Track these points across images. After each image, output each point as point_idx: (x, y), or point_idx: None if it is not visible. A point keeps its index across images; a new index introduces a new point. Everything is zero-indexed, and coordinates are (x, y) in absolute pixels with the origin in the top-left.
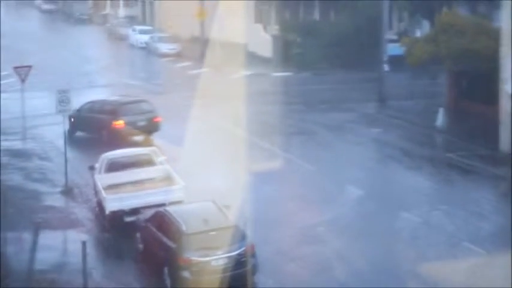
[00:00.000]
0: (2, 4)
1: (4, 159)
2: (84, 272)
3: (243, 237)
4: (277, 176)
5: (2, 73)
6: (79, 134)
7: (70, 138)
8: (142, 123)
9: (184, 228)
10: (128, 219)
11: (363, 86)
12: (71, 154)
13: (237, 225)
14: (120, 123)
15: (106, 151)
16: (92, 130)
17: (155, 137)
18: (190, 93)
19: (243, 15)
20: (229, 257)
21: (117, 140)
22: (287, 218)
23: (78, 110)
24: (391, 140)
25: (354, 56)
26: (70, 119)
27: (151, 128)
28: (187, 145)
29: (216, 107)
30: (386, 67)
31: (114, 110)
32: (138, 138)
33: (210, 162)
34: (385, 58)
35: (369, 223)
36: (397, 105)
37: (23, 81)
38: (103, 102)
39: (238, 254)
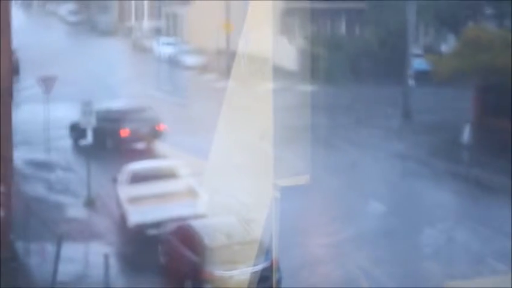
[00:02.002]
0: (27, 15)
1: (27, 171)
2: (106, 285)
3: (267, 251)
4: (302, 191)
5: (27, 83)
6: (83, 142)
7: (75, 146)
8: (146, 131)
9: (207, 242)
10: (151, 232)
11: (388, 100)
12: (93, 165)
13: (261, 239)
14: (124, 130)
15: (128, 163)
16: (97, 138)
17: (179, 150)
18: (215, 106)
19: (269, 29)
20: (252, 271)
21: (122, 147)
22: (311, 233)
23: None
24: (416, 155)
25: (379, 70)
26: (74, 128)
27: (155, 135)
28: (211, 158)
29: (241, 120)
30: (411, 82)
31: (118, 118)
32: (142, 145)
33: (234, 176)
34: (411, 73)
35: (393, 239)
36: (422, 120)
37: (47, 92)
38: (107, 110)
39: (262, 269)
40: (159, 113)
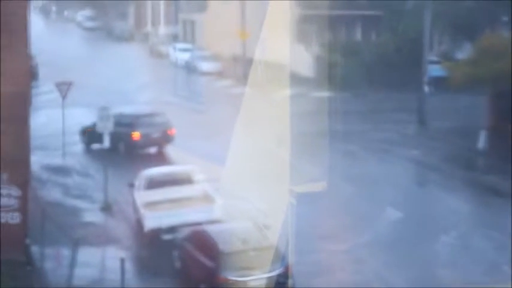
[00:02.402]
0: (45, 21)
1: (44, 175)
2: None
3: (282, 257)
4: (317, 197)
5: (44, 89)
6: (95, 146)
7: (87, 150)
8: (157, 135)
9: (222, 247)
10: (166, 237)
11: (404, 107)
12: (110, 170)
13: (276, 245)
14: (136, 135)
15: (145, 168)
16: (111, 142)
17: (196, 156)
18: (231, 112)
19: (286, 36)
20: (267, 277)
21: (133, 151)
22: (326, 239)
23: (95, 123)
24: (431, 162)
25: (395, 77)
26: (86, 132)
27: (166, 139)
28: (228, 164)
29: (257, 127)
30: (427, 88)
31: (130, 123)
32: (154, 149)
33: (250, 181)
34: (426, 79)
35: (408, 245)
36: (437, 126)
37: (64, 97)
38: (119, 115)
39: (277, 275)
40: (175, 119)
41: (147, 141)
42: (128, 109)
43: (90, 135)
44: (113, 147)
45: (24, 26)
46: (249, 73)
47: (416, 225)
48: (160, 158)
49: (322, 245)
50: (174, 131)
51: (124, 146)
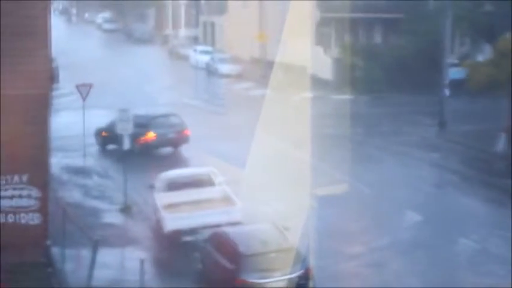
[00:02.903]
0: (66, 23)
1: (64, 176)
2: None
3: (302, 259)
4: (336, 200)
5: (64, 91)
6: (111, 147)
7: (99, 150)
8: (172, 136)
9: (241, 249)
10: (186, 238)
11: (423, 109)
12: (130, 172)
13: (297, 247)
14: (151, 135)
15: (164, 170)
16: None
17: (216, 158)
18: (251, 115)
19: (306, 38)
20: (287, 279)
21: (149, 152)
22: (346, 242)
23: (110, 124)
24: (451, 165)
25: (415, 79)
26: (101, 133)
27: (180, 140)
28: (248, 167)
29: (277, 129)
30: (447, 91)
31: (145, 124)
32: (172, 151)
33: (270, 184)
34: (446, 82)
35: (427, 248)
36: (457, 129)
37: (84, 99)
38: (134, 116)
39: (297, 277)
40: (196, 121)
41: (163, 142)
42: (142, 110)
43: (105, 136)
44: (129, 148)
45: (45, 29)
46: (269, 75)
47: (436, 228)
48: (180, 160)
49: (342, 247)
50: (188, 132)
51: (139, 147)
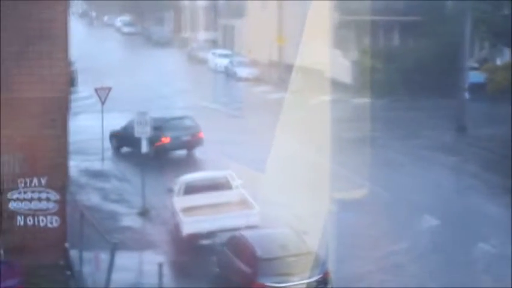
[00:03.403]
0: (83, 26)
1: (83, 180)
2: None
3: (320, 263)
4: (355, 204)
5: (83, 94)
6: (125, 149)
7: (116, 153)
8: (186, 138)
9: (259, 253)
10: (204, 242)
11: (443, 113)
12: (146, 175)
13: (315, 251)
14: (165, 138)
15: (183, 174)
16: (139, 145)
17: (235, 161)
18: (269, 118)
19: (325, 41)
20: (305, 283)
21: (163, 154)
22: (364, 246)
23: (125, 127)
24: (470, 169)
25: (434, 82)
26: (115, 136)
27: (195, 143)
28: (267, 170)
29: (295, 133)
30: (466, 94)
31: (159, 126)
32: (182, 152)
33: (288, 187)
34: (466, 85)
35: (445, 253)
36: (476, 133)
37: (103, 102)
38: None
39: (316, 281)
40: (214, 124)
41: (177, 144)
42: (157, 113)
43: (118, 139)
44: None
45: (63, 32)
46: (287, 78)
47: (455, 233)
48: (197, 163)
49: (360, 251)
50: (203, 134)
51: (154, 149)
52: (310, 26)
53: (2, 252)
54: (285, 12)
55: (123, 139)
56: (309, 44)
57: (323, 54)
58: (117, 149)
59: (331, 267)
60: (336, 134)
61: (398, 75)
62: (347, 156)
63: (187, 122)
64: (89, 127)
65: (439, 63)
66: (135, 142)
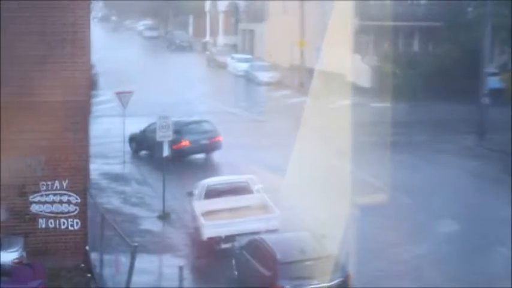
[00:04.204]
0: (105, 30)
1: (103, 183)
2: None
3: (340, 267)
4: (375, 208)
5: (104, 98)
6: (143, 152)
7: (136, 156)
8: (204, 142)
9: (279, 256)
10: (224, 245)
11: (462, 118)
12: (167, 179)
13: (335, 255)
14: (184, 142)
15: (203, 178)
16: (157, 149)
17: (256, 165)
18: (290, 122)
19: (346, 46)
20: (325, 287)
21: (182, 158)
22: (383, 250)
23: (143, 131)
24: (490, 174)
25: (453, 88)
26: (134, 139)
27: (213, 146)
28: (287, 174)
29: (316, 137)
30: (486, 100)
31: (178, 130)
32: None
33: (309, 192)
34: (485, 91)
35: (465, 257)
36: (496, 138)
37: (124, 106)
38: None
39: (336, 285)
40: (235, 128)
41: (196, 148)
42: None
43: (138, 142)
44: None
45: (85, 36)
46: (308, 83)
47: (475, 237)
48: (218, 167)
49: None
50: (221, 138)
51: (173, 153)
52: (331, 31)
53: (24, 254)
54: (306, 16)
55: (142, 142)
56: (329, 48)
57: (344, 58)
58: (136, 152)
59: (351, 270)
60: (356, 138)
61: (418, 80)
62: (367, 161)
63: (206, 126)
64: (109, 130)
65: (459, 68)
66: (154, 145)
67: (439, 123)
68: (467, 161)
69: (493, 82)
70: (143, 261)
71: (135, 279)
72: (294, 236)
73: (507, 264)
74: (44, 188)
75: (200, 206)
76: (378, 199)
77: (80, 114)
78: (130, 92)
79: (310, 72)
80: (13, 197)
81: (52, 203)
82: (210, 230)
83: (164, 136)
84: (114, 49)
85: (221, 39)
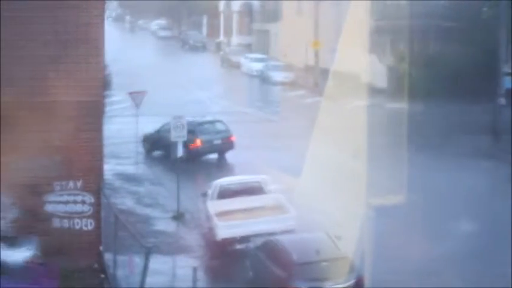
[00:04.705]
0: (118, 29)
1: (117, 183)
2: None
3: (355, 268)
4: (390, 209)
5: (117, 98)
6: (156, 153)
7: (149, 157)
8: (218, 142)
9: (294, 257)
10: (239, 246)
11: (478, 118)
12: (180, 179)
13: (350, 256)
14: (197, 142)
15: (217, 178)
16: (171, 149)
17: (270, 166)
18: (305, 123)
19: (362, 46)
20: None
21: (195, 158)
22: (398, 251)
23: (157, 131)
24: (506, 174)
25: (469, 88)
26: (147, 139)
27: (226, 146)
28: (302, 175)
29: (331, 137)
30: (502, 100)
31: (191, 130)
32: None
33: (324, 192)
34: (502, 91)
35: (482, 259)
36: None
37: (137, 106)
38: None
39: (350, 286)
40: (250, 128)
41: (209, 148)
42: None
43: (151, 142)
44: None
45: (99, 36)
46: (323, 83)
47: (490, 239)
48: (232, 167)
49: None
50: (234, 138)
51: (186, 153)
52: (346, 31)
53: (38, 254)
54: (321, 16)
55: (155, 142)
56: (345, 48)
57: (359, 59)
58: (149, 152)
59: (366, 272)
60: (371, 139)
61: (433, 81)
62: (382, 161)
63: (219, 126)
64: (122, 131)
65: (475, 68)
66: (167, 146)
67: (454, 124)
68: (482, 162)
69: (509, 82)
70: (157, 262)
71: (149, 280)
72: (309, 237)
73: None
74: (58, 188)
75: (214, 206)
76: (392, 200)
77: (93, 114)
78: (143, 92)
79: (325, 72)
80: (27, 197)
81: (66, 203)
82: (224, 230)
83: (179, 136)
84: (127, 49)
85: (235, 39)
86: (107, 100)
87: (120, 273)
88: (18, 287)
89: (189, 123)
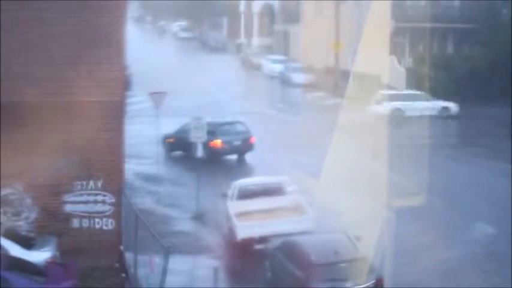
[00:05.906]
0: (139, 30)
1: (137, 183)
2: None
3: (374, 270)
4: (409, 211)
5: (138, 98)
6: (176, 153)
7: (169, 157)
8: (237, 143)
9: (313, 258)
10: (258, 246)
11: (497, 120)
12: (200, 179)
13: (369, 257)
14: (217, 142)
15: (236, 178)
16: (191, 149)
17: (291, 167)
18: (325, 124)
19: (380, 48)
20: None
21: (215, 159)
22: (417, 252)
23: (178, 132)
24: None
25: (488, 90)
26: (168, 139)
27: (246, 147)
28: (322, 176)
29: (351, 139)
30: None
31: (211, 131)
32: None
33: (344, 193)
34: None
35: (499, 261)
36: None
37: (157, 106)
38: None
39: (369, 287)
40: (271, 129)
41: (228, 149)
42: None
43: (171, 143)
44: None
45: (120, 37)
46: (343, 85)
47: (509, 241)
48: (252, 168)
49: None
50: (254, 139)
51: (206, 154)
52: (367, 33)
53: (58, 254)
54: (342, 18)
55: (175, 143)
56: (365, 50)
57: (380, 60)
58: (169, 152)
59: (385, 273)
60: (391, 141)
61: (452, 82)
62: (402, 163)
63: (239, 127)
64: (143, 131)
65: (494, 70)
66: (187, 146)
67: (473, 126)
68: (501, 164)
69: None
70: (177, 262)
71: (169, 279)
72: (328, 238)
73: None
74: (79, 187)
75: (234, 206)
76: (412, 201)
77: (114, 114)
78: (163, 93)
79: (345, 74)
80: (47, 196)
81: (86, 202)
82: (243, 230)
83: (198, 137)
84: (148, 50)
85: (255, 41)
86: (128, 100)
87: (141, 272)
88: (38, 287)
89: (209, 124)
